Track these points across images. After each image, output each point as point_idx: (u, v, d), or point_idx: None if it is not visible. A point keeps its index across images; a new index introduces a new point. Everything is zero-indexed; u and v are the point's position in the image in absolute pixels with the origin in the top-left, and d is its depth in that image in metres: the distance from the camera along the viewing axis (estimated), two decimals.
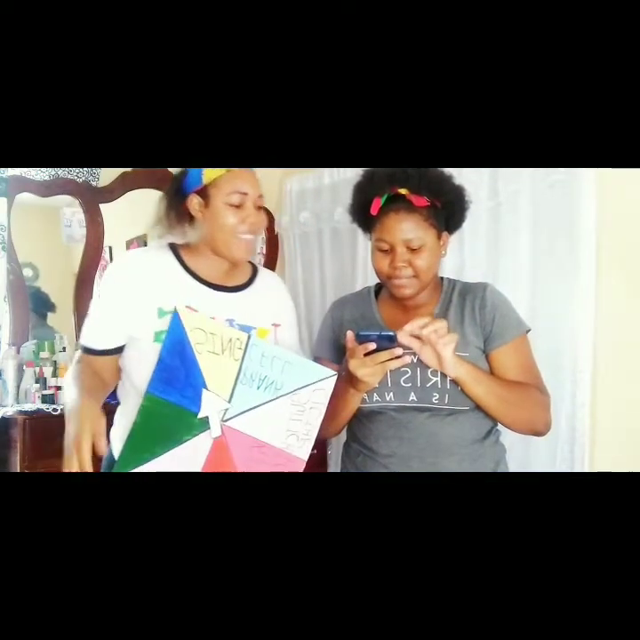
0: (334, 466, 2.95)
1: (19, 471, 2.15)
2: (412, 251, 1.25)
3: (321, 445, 2.93)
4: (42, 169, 2.60)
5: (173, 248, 1.35)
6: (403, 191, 1.24)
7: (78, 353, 1.35)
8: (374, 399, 1.29)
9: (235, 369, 1.19)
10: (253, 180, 1.30)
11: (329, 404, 1.28)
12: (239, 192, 1.27)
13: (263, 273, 1.45)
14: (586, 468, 1.95)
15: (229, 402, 1.18)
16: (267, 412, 1.20)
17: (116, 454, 1.25)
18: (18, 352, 2.50)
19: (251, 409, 1.20)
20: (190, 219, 1.33)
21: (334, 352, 1.40)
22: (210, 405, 1.17)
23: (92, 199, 2.72)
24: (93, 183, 2.75)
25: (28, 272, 2.65)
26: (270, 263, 3.26)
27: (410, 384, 1.27)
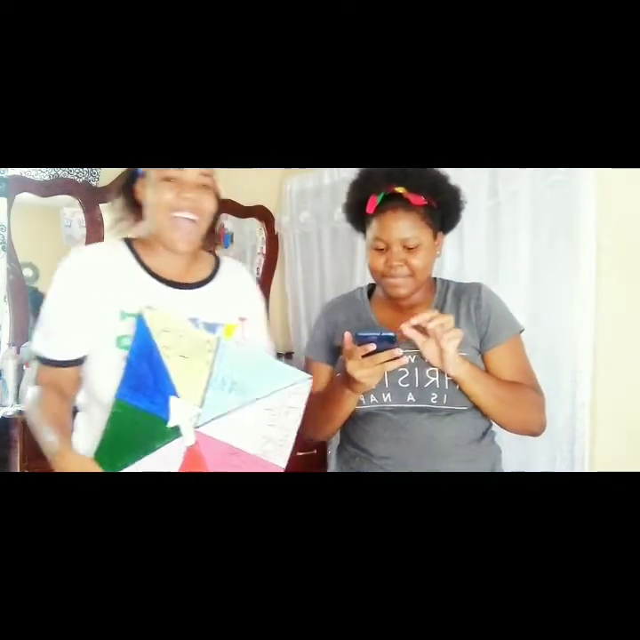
0: (334, 466, 2.95)
1: (19, 471, 2.15)
2: (409, 250, 1.24)
3: (321, 445, 2.93)
4: (42, 169, 2.60)
5: (128, 243, 1.25)
6: (400, 190, 1.24)
7: (35, 365, 1.23)
8: (371, 400, 1.27)
9: (205, 373, 1.13)
10: None
11: (324, 406, 1.26)
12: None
13: (226, 264, 1.35)
14: (586, 468, 1.95)
15: (201, 407, 1.13)
16: (240, 418, 1.15)
17: None
18: (18, 352, 2.50)
19: (223, 414, 1.14)
20: (143, 208, 1.23)
21: (329, 354, 1.38)
22: (179, 413, 1.12)
23: (91, 199, 2.72)
24: (93, 183, 2.75)
25: (27, 272, 2.65)
26: (270, 263, 3.26)
27: (408, 384, 1.26)
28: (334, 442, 3.03)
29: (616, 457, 1.89)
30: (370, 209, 1.27)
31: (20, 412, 2.23)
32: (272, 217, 3.24)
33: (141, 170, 1.22)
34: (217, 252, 1.38)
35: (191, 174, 1.17)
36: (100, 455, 1.10)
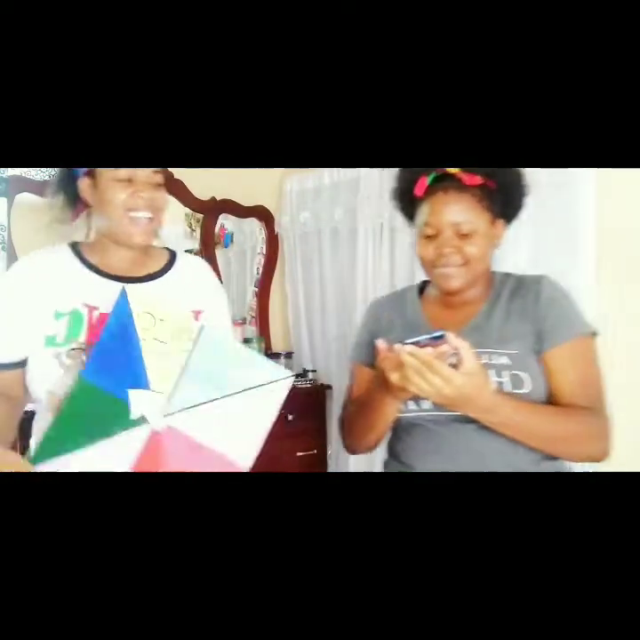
0: (334, 466, 2.95)
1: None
2: (462, 236, 1.10)
3: (321, 445, 2.93)
4: (42, 169, 2.60)
5: (73, 247, 1.23)
6: (453, 169, 1.10)
7: None
8: (410, 407, 1.13)
9: (181, 361, 1.06)
10: None
11: (364, 413, 1.14)
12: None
13: (183, 257, 1.31)
14: (586, 467, 1.94)
15: (171, 397, 1.05)
16: (211, 411, 1.07)
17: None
18: None
19: (193, 406, 1.07)
20: (85, 206, 1.22)
21: (374, 357, 1.14)
22: (142, 404, 1.04)
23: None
24: None
25: None
26: (270, 263, 3.26)
27: None
28: (334, 442, 3.03)
29: (617, 457, 1.89)
30: (419, 191, 1.15)
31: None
32: (272, 217, 3.24)
33: (82, 169, 1.20)
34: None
35: (144, 173, 1.18)
36: (45, 441, 1.03)
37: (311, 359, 3.16)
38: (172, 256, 1.31)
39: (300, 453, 2.78)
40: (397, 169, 1.22)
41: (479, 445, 1.08)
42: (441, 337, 0.96)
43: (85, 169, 1.19)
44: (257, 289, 3.24)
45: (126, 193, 1.16)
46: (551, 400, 1.10)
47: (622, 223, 1.93)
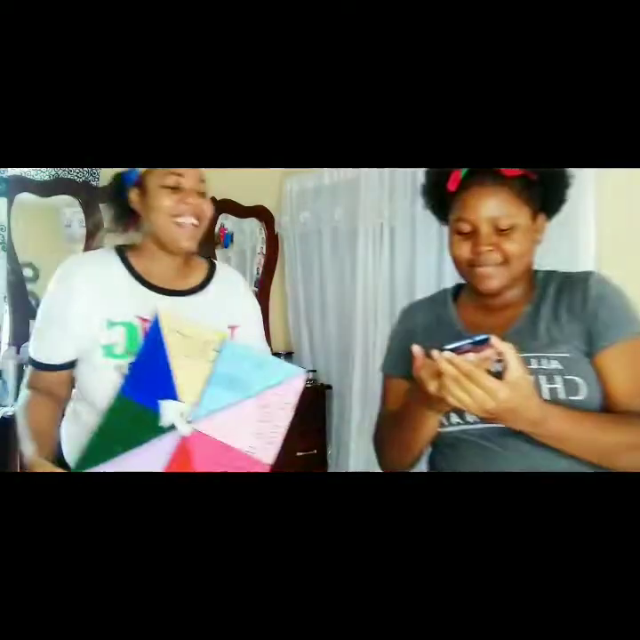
0: (334, 466, 2.96)
1: (19, 471, 2.15)
2: (501, 232, 1.01)
3: (321, 445, 2.93)
4: (42, 169, 2.60)
5: (120, 251, 1.28)
6: None
7: (29, 369, 1.28)
8: (453, 420, 1.03)
9: (207, 371, 1.16)
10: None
11: (401, 429, 1.06)
12: (174, 173, 1.21)
13: (221, 271, 1.37)
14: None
15: (198, 404, 1.15)
16: (234, 414, 1.17)
17: (67, 457, 1.23)
18: (18, 352, 2.50)
19: (217, 410, 1.16)
20: (135, 217, 1.28)
21: (408, 367, 1.02)
22: (171, 413, 1.14)
23: (91, 199, 2.72)
24: (93, 183, 2.75)
25: (28, 272, 2.65)
26: (270, 263, 3.27)
27: None
28: (334, 442, 3.03)
29: None
30: (452, 186, 1.06)
31: None
32: (272, 217, 3.24)
33: (133, 177, 1.25)
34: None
35: (191, 180, 1.23)
36: (86, 451, 1.13)
37: (311, 359, 3.16)
38: (212, 267, 1.36)
39: (300, 453, 2.78)
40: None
41: (535, 461, 0.98)
42: (485, 341, 0.87)
43: (134, 180, 1.25)
44: (257, 289, 3.24)
45: (173, 199, 1.21)
46: (606, 407, 1.00)
47: (622, 223, 1.93)
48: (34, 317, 2.64)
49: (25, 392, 1.27)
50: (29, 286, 2.63)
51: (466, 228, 1.04)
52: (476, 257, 1.03)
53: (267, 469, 1.17)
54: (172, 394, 1.15)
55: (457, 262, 1.09)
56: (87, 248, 2.63)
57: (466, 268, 1.07)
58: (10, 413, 2.25)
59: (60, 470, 1.07)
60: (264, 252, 3.27)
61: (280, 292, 3.30)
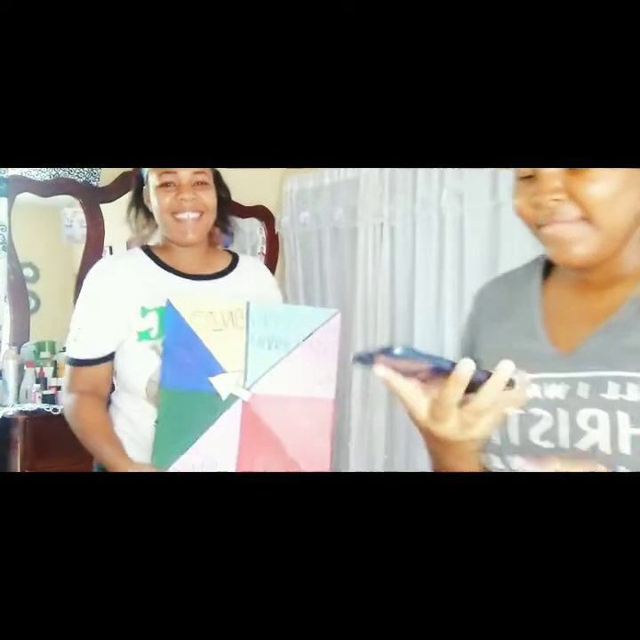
0: (334, 466, 2.95)
1: (19, 471, 2.15)
2: (574, 176, 0.71)
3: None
4: (42, 169, 2.60)
5: (146, 249, 1.34)
6: None
7: (68, 371, 1.31)
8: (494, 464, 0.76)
9: (242, 338, 1.20)
10: None
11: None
12: (168, 171, 1.25)
13: (244, 258, 1.45)
14: None
15: (245, 369, 1.19)
16: (284, 369, 1.22)
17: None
18: (18, 352, 2.51)
19: (268, 370, 1.21)
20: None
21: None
22: (226, 385, 1.18)
23: (92, 199, 2.72)
24: (93, 183, 2.75)
25: (28, 272, 2.65)
26: (270, 263, 3.26)
27: (551, 445, 0.69)
28: (334, 442, 3.02)
29: None
30: None
31: (21, 412, 2.23)
32: (272, 217, 3.24)
33: (144, 176, 1.28)
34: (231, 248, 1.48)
35: (185, 174, 1.26)
36: (159, 450, 1.17)
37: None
38: (235, 257, 1.43)
39: None
40: None
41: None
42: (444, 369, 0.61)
43: (145, 179, 1.30)
44: None
45: (169, 197, 1.25)
46: None
47: None
48: (34, 317, 2.65)
49: (71, 397, 1.29)
50: (29, 286, 2.64)
51: (528, 171, 0.75)
52: (547, 214, 0.71)
53: (331, 405, 1.25)
54: (217, 369, 1.18)
55: (525, 220, 0.75)
56: (89, 244, 2.64)
57: (535, 228, 0.74)
58: (10, 413, 2.25)
59: (146, 465, 1.13)
60: (264, 252, 3.28)
61: (280, 291, 3.30)
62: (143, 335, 1.24)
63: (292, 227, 3.16)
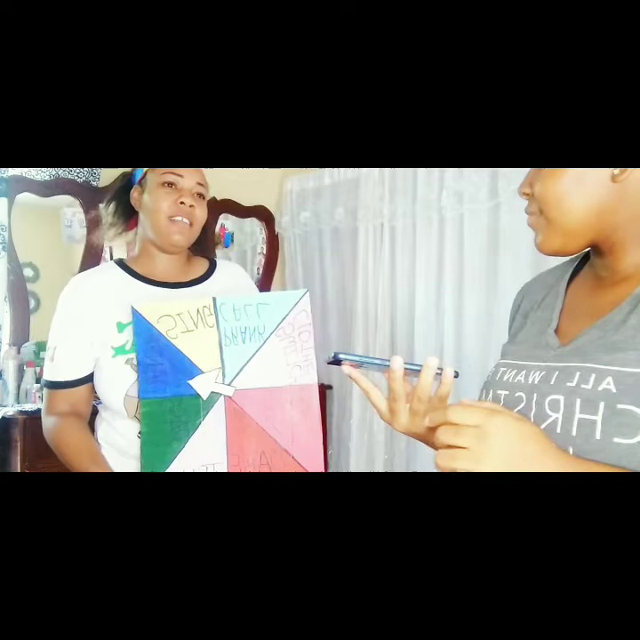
0: (334, 466, 2.96)
1: (19, 471, 2.15)
2: (537, 173, 0.78)
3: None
4: (42, 169, 2.60)
5: (119, 262, 1.32)
6: None
7: (46, 394, 1.27)
8: None
9: (215, 336, 1.19)
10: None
11: None
12: (173, 173, 1.24)
13: (222, 264, 1.42)
14: None
15: (222, 367, 1.18)
16: (262, 360, 1.21)
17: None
18: (18, 352, 2.51)
19: (245, 364, 1.19)
20: (136, 217, 1.31)
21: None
22: (205, 385, 1.17)
23: (92, 199, 2.72)
24: (94, 183, 2.76)
25: (28, 272, 2.65)
26: (270, 263, 3.27)
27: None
28: (334, 442, 3.03)
29: None
30: None
31: (21, 412, 2.23)
32: (272, 217, 3.24)
33: (138, 176, 1.26)
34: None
35: (189, 182, 1.25)
36: (146, 462, 1.15)
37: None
38: (213, 263, 1.39)
39: None
40: None
41: None
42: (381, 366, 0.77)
43: (138, 177, 1.28)
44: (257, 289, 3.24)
45: (169, 198, 1.23)
46: None
47: None
48: (34, 317, 2.65)
49: (50, 420, 1.25)
50: (29, 286, 2.64)
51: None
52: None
53: (315, 389, 1.26)
54: (194, 371, 1.17)
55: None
56: (88, 244, 2.64)
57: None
58: (10, 413, 2.25)
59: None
60: (264, 252, 3.28)
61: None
62: (118, 350, 1.21)
63: (292, 227, 3.16)
